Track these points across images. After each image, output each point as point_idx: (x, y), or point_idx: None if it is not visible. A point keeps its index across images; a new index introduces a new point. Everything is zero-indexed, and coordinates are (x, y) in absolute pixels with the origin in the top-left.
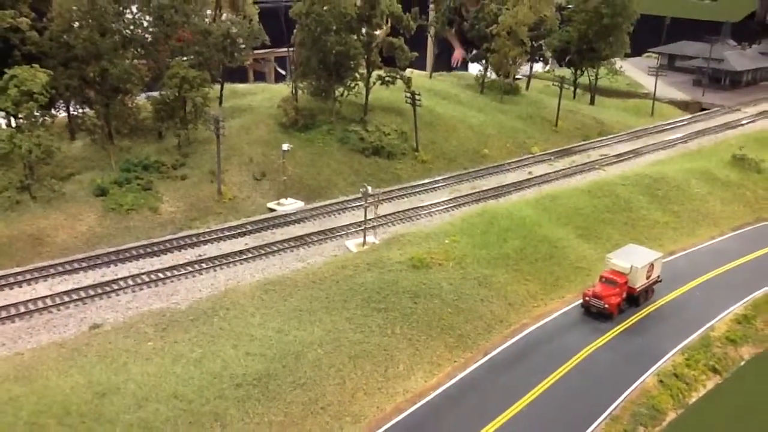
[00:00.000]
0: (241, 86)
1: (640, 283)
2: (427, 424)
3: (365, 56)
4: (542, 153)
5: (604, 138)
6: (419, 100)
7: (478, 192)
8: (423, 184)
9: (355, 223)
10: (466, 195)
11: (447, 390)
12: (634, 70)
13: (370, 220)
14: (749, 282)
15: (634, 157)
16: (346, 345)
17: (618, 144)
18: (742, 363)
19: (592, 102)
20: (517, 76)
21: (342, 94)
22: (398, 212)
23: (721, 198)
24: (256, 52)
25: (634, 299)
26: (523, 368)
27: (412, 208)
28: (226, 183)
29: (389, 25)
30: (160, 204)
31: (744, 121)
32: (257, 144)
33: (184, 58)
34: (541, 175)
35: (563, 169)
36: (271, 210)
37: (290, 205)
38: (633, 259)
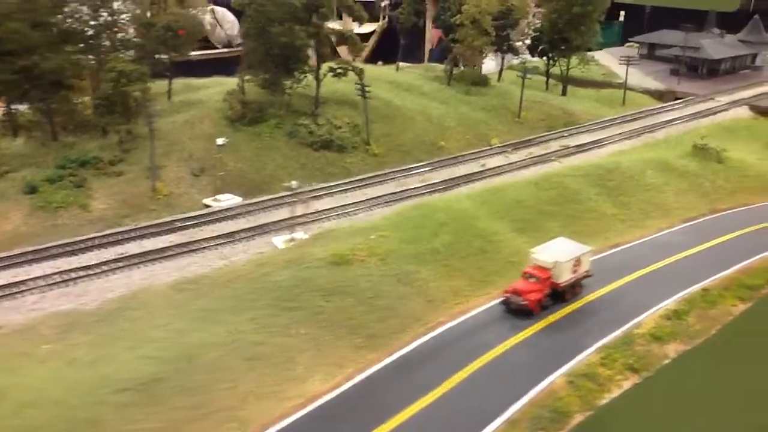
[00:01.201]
0: (197, 80)
1: (564, 278)
2: (315, 429)
3: (315, 48)
4: (501, 145)
5: (570, 128)
6: (369, 92)
7: (426, 185)
8: (371, 178)
9: (287, 219)
10: (413, 189)
11: (344, 393)
12: (614, 60)
13: (299, 216)
14: (688, 276)
15: (596, 148)
16: (245, 346)
17: (581, 134)
18: (666, 361)
19: (564, 92)
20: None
21: (291, 87)
22: (338, 207)
23: (676, 189)
24: None
25: (560, 295)
26: (428, 369)
27: (354, 203)
28: (164, 179)
29: (386, 20)
30: (91, 201)
31: (716, 110)
32: (200, 139)
33: (128, 53)
34: (493, 168)
35: (518, 161)
36: (206, 206)
37: (226, 201)
38: (557, 254)
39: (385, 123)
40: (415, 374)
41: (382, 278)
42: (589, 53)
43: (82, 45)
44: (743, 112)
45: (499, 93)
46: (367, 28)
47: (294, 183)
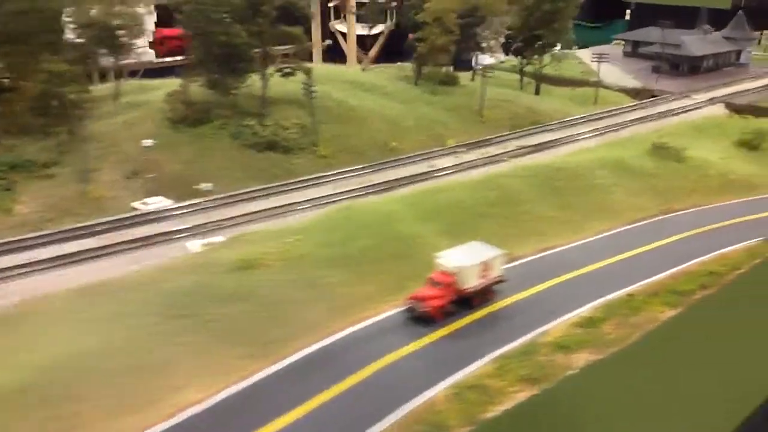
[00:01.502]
0: (153, 81)
1: (471, 283)
2: None
3: (258, 48)
4: (456, 145)
5: (534, 128)
6: (315, 92)
7: (365, 187)
8: (312, 180)
9: (211, 222)
10: (350, 191)
11: (222, 402)
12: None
13: (224, 219)
14: (616, 281)
15: (555, 147)
16: (123, 357)
17: (544, 133)
18: (571, 372)
19: (537, 91)
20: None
21: (236, 88)
22: (269, 209)
23: (628, 189)
24: None
25: (467, 301)
26: (313, 378)
27: (285, 205)
28: (97, 182)
29: (394, 21)
30: (15, 205)
31: (690, 108)
32: (138, 140)
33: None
34: (440, 168)
35: (468, 161)
36: (135, 209)
37: (154, 204)
38: (462, 259)
39: (338, 124)
40: (298, 384)
41: (287, 283)
42: (569, 51)
43: (23, 45)
44: (718, 110)
45: (467, 92)
46: (377, 29)
47: (204, 186)
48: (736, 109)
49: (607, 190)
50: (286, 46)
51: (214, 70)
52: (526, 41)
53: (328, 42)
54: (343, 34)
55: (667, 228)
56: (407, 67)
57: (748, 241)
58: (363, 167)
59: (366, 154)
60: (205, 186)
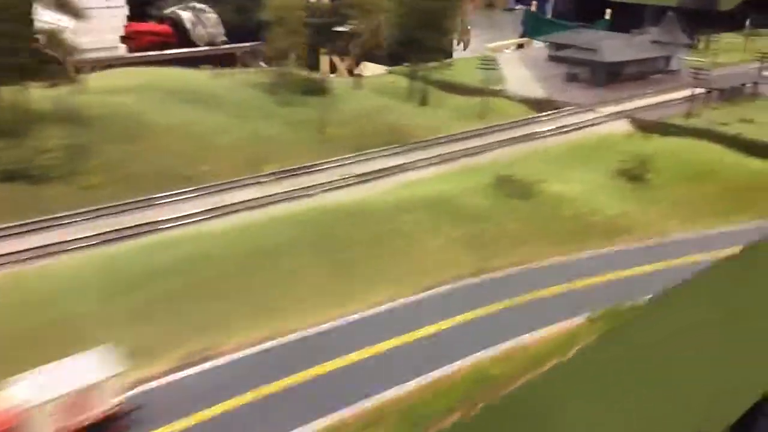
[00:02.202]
0: None
1: (52, 426)
2: None
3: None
4: (276, 171)
5: (382, 150)
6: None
7: (112, 231)
8: (62, 217)
9: None
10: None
11: None
12: (518, 63)
13: None
14: (337, 396)
15: (386, 177)
16: None
17: (388, 158)
18: None
19: (422, 102)
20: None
21: None
22: None
23: (444, 238)
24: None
25: None
26: None
27: None
28: None
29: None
30: None
31: (586, 124)
32: None
33: None
34: (228, 205)
35: (266, 197)
36: None
37: None
38: (35, 391)
39: (125, 144)
40: None
41: None
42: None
43: None
44: (621, 126)
45: (331, 103)
46: None
47: None
48: (643, 125)
49: (413, 241)
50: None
51: None
52: (406, 46)
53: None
54: None
55: (467, 298)
56: (278, 71)
57: (571, 319)
58: (133, 202)
59: (151, 182)
60: None
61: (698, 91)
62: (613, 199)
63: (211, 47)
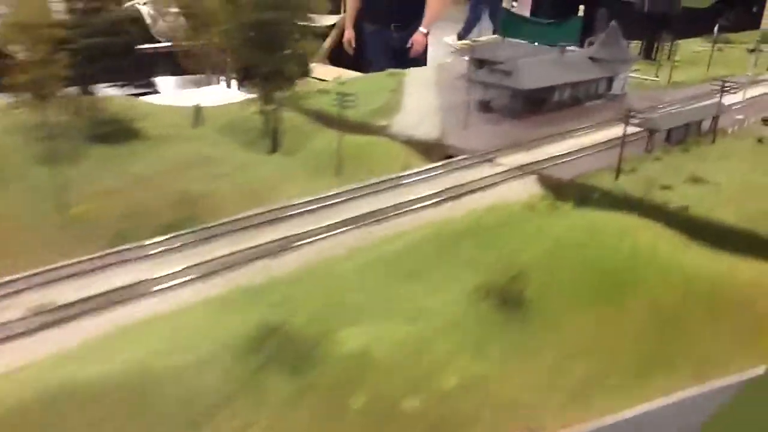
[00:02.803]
0: None
1: None
2: None
3: None
4: None
5: (126, 249)
6: None
7: None
8: None
9: None
10: None
11: None
12: (430, 82)
13: None
14: None
15: (89, 315)
16: None
17: (115, 269)
18: None
19: (274, 148)
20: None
21: None
22: None
23: None
24: None
25: None
26: None
27: None
28: None
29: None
30: None
31: (470, 187)
32: None
33: None
34: None
35: None
36: None
37: None
38: None
39: None
40: None
41: None
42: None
43: None
44: (523, 188)
45: (127, 154)
46: (329, 20)
47: None
48: (554, 186)
49: None
50: None
51: None
52: (251, 70)
53: None
54: None
55: None
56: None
57: None
58: None
59: None
60: None
61: (635, 131)
62: (462, 353)
63: (173, 42)
